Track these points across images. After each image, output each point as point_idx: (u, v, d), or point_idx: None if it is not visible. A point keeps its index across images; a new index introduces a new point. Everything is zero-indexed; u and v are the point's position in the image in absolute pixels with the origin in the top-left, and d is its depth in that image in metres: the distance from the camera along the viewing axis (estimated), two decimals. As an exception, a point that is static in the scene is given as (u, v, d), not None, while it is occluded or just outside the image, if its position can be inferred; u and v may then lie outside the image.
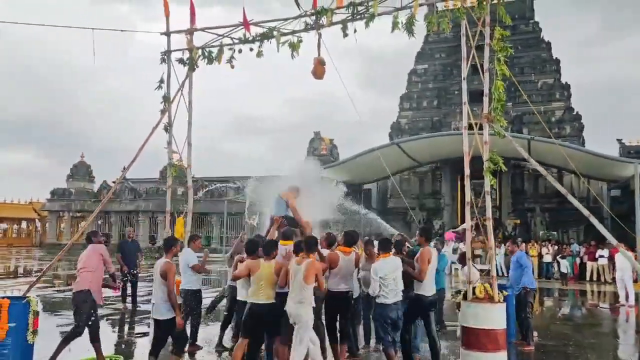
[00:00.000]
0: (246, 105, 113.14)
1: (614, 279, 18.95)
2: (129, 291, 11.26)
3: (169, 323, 5.63)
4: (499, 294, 6.62)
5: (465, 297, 6.69)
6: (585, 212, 6.22)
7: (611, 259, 20.14)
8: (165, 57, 8.47)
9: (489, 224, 6.84)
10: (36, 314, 5.66)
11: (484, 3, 6.95)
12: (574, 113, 29.53)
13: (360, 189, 28.92)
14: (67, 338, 6.06)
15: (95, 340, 6.19)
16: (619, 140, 33.22)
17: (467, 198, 7.09)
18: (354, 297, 6.85)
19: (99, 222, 38.49)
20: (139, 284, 11.78)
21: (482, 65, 7.21)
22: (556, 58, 30.75)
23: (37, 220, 51.31)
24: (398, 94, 32.61)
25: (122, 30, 8.02)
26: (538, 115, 23.44)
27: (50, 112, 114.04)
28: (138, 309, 11.14)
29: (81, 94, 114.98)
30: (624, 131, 63.10)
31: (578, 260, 21.89)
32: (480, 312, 6.36)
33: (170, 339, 5.87)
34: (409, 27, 7.37)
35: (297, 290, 5.52)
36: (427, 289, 6.58)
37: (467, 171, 7.14)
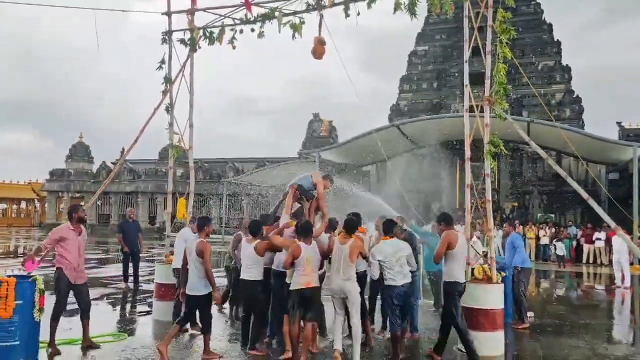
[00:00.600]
0: (244, 86, 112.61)
1: (610, 261, 19.21)
2: (130, 271, 11.37)
3: (205, 299, 5.90)
4: (497, 275, 6.74)
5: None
6: (584, 194, 6.28)
7: (607, 241, 20.34)
8: (167, 37, 8.43)
9: (489, 207, 6.91)
10: (42, 292, 5.72)
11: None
12: (574, 96, 29.47)
13: (359, 170, 28.97)
14: (53, 316, 6.05)
15: (83, 317, 6.26)
16: (619, 124, 33.22)
17: (468, 180, 7.14)
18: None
19: (99, 202, 38.55)
20: (140, 263, 11.90)
21: (483, 47, 7.22)
22: (557, 40, 30.56)
23: (36, 200, 51.41)
24: (397, 76, 32.46)
25: (123, 11, 8.02)
26: (539, 98, 23.37)
27: (49, 92, 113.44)
28: (140, 288, 11.26)
29: (79, 75, 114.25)
30: (624, 114, 62.91)
31: (575, 242, 22.08)
32: (479, 293, 6.48)
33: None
34: (412, 8, 7.35)
35: (343, 268, 5.76)
36: (456, 274, 6.14)
37: (467, 153, 7.20)
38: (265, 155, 39.26)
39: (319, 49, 7.69)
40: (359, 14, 7.54)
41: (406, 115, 29.92)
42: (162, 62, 8.47)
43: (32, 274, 5.80)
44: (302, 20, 7.84)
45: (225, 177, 32.78)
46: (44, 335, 5.81)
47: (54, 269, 6.15)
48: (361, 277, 6.63)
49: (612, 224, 6.10)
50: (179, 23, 8.51)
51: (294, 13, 7.82)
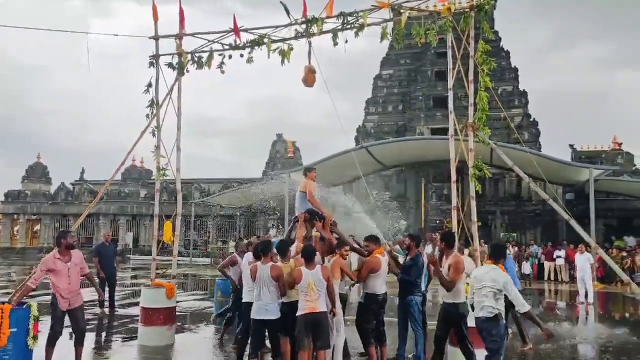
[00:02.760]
0: (203, 106, 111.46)
1: (572, 277, 20.04)
2: (106, 295, 11.11)
3: (278, 322, 5.98)
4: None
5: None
6: (565, 215, 6.66)
7: (567, 259, 21.22)
8: (154, 60, 8.48)
9: (474, 228, 7.21)
10: (36, 319, 5.63)
11: (469, 17, 7.33)
12: (531, 119, 30.77)
13: (327, 191, 29.19)
14: (49, 342, 5.97)
15: (77, 342, 6.18)
16: (571, 146, 34.82)
17: (453, 202, 7.42)
18: None
19: (56, 225, 37.34)
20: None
21: (466, 74, 7.59)
22: (514, 66, 31.96)
23: (-12, 223, 49.23)
24: (358, 96, 33.07)
25: (115, 35, 7.99)
26: (508, 120, 24.36)
27: (1, 110, 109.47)
28: (116, 313, 11.01)
29: (34, 93, 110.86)
30: (576, 137, 65.91)
31: (536, 260, 22.89)
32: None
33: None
34: (398, 38, 7.69)
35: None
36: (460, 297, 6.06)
37: (453, 177, 7.50)
38: (229, 176, 39.06)
39: (309, 77, 7.89)
40: (346, 41, 7.82)
41: (372, 137, 30.49)
42: (149, 85, 8.49)
43: (26, 301, 5.70)
44: (290, 46, 8.06)
45: (192, 198, 32.39)
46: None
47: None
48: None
49: (593, 243, 6.48)
50: (163, 46, 8.50)
51: (283, 40, 8.03)
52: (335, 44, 7.82)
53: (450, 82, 7.66)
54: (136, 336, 8.21)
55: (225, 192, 30.26)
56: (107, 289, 11.10)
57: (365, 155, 24.78)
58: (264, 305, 5.94)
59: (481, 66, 7.41)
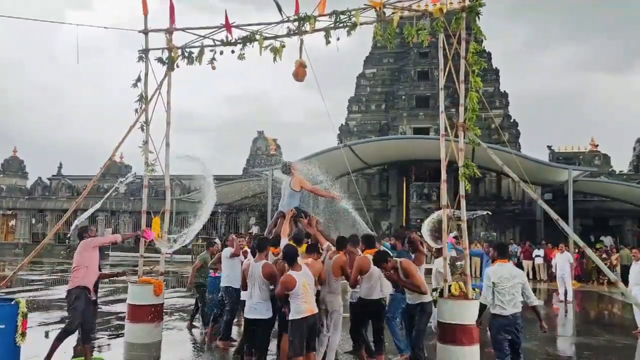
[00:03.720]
0: (180, 101, 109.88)
1: (550, 276, 20.45)
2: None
3: (269, 322, 5.92)
4: (472, 291, 7.10)
5: (441, 295, 7.13)
6: (554, 215, 6.79)
7: (545, 258, 21.64)
8: (143, 55, 8.38)
9: (464, 226, 7.29)
10: (25, 315, 5.53)
11: (460, 18, 7.41)
12: (512, 120, 31.22)
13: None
14: (60, 337, 5.95)
15: (86, 340, 6.12)
16: (549, 147, 35.47)
17: (443, 201, 7.50)
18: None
19: (32, 220, 36.66)
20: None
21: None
22: (496, 68, 32.38)
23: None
24: (338, 94, 33.16)
25: (105, 27, 7.87)
26: (493, 120, 24.65)
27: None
28: (99, 309, 10.84)
29: (9, 86, 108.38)
30: (553, 138, 67.09)
31: (515, 259, 23.25)
32: (456, 309, 6.79)
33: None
34: (390, 38, 7.74)
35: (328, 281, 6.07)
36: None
37: (443, 176, 7.56)
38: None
39: (300, 72, 7.90)
40: (338, 39, 7.84)
41: (355, 136, 30.58)
42: (138, 79, 8.39)
43: (15, 298, 5.62)
44: (282, 44, 8.04)
45: (172, 195, 32.08)
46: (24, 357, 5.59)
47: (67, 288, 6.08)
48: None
49: (581, 243, 6.62)
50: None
51: (275, 37, 8.01)
52: (328, 42, 7.84)
53: (442, 82, 7.73)
54: (122, 333, 8.12)
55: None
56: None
57: (348, 154, 24.85)
58: (254, 304, 5.83)
59: (472, 67, 7.46)
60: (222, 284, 8.00)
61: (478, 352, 6.82)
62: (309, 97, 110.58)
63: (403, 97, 30.95)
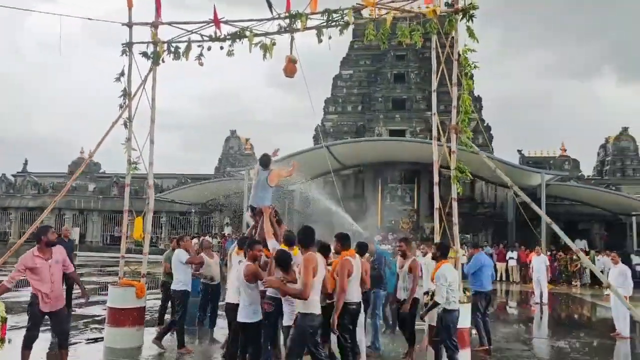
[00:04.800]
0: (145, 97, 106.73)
1: (523, 278, 20.82)
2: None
3: (255, 326, 5.53)
4: (463, 295, 7.07)
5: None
6: (547, 219, 6.82)
7: (519, 260, 22.00)
8: (127, 49, 8.08)
9: (456, 229, 7.26)
10: (4, 320, 5.22)
11: (453, 21, 7.38)
12: (485, 124, 31.68)
13: (284, 190, 29.02)
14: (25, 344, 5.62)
15: (62, 346, 5.81)
16: (519, 152, 36.16)
17: (436, 204, 7.46)
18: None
19: (-5, 218, 35.39)
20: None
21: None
22: (470, 72, 32.79)
23: None
24: (313, 94, 33.19)
25: (89, 19, 7.56)
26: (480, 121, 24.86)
27: None
28: (73, 312, 10.45)
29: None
30: (522, 143, 68.55)
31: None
32: (448, 313, 6.75)
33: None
34: (383, 38, 7.66)
35: None
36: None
37: (435, 179, 7.53)
38: (182, 172, 38.10)
39: (289, 67, 7.74)
40: (330, 38, 7.72)
41: (331, 136, 30.53)
42: (121, 74, 8.09)
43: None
44: (273, 41, 7.87)
45: (144, 194, 31.38)
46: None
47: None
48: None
49: (574, 247, 6.65)
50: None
51: (266, 34, 7.83)
52: (320, 41, 7.70)
53: (434, 84, 7.72)
54: (102, 338, 7.80)
55: (182, 188, 29.54)
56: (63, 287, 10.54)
57: (325, 155, 24.77)
58: (242, 307, 5.60)
59: (465, 69, 7.44)
60: (177, 288, 7.48)
61: (469, 356, 6.81)
62: (281, 96, 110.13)
63: (379, 99, 31.06)
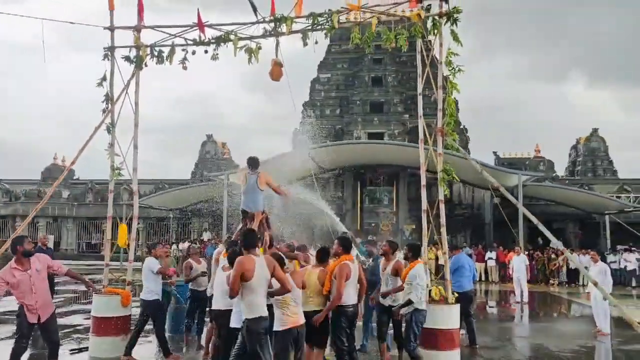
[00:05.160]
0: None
1: (502, 278, 21.14)
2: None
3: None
4: (452, 296, 7.14)
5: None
6: (535, 220, 6.91)
7: (498, 261, 22.33)
8: (109, 53, 7.95)
9: (444, 231, 7.33)
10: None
11: (438, 24, 7.46)
12: (461, 127, 32.08)
13: (263, 194, 28.90)
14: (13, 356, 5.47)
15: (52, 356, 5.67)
16: (494, 153, 36.74)
17: (424, 206, 7.51)
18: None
19: (-36, 227, 34.37)
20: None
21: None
22: (447, 75, 33.22)
23: None
24: (283, 96, 33.13)
25: (71, 23, 7.40)
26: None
27: None
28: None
29: None
30: (496, 144, 69.66)
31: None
32: (438, 314, 6.79)
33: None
34: (368, 42, 7.69)
35: None
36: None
37: (423, 181, 7.59)
38: (157, 177, 37.56)
39: (275, 70, 7.71)
40: (316, 42, 7.72)
41: (309, 140, 30.52)
42: (104, 78, 7.95)
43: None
44: (258, 45, 7.84)
45: (120, 200, 30.86)
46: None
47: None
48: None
49: (561, 247, 6.78)
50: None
51: (250, 38, 7.80)
52: (305, 44, 7.70)
53: (420, 87, 7.78)
54: (86, 347, 7.63)
55: (161, 193, 29.16)
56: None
57: (304, 158, 24.75)
58: (235, 312, 5.52)
59: (450, 71, 7.52)
60: (149, 298, 7.29)
61: (459, 356, 6.86)
62: (256, 101, 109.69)
63: (357, 102, 31.20)
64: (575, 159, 36.60)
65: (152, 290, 7.32)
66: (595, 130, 35.99)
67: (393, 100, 30.94)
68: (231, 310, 5.67)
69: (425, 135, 7.65)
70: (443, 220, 7.32)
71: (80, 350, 7.84)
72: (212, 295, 6.23)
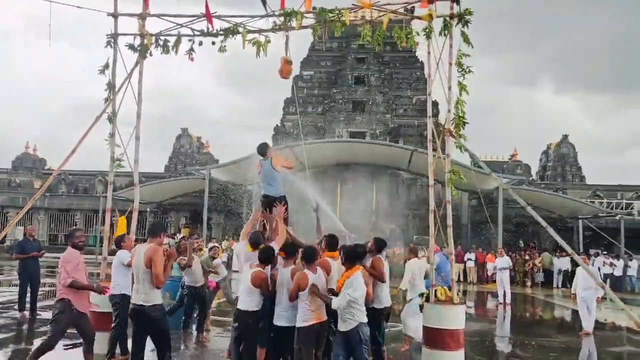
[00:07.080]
0: (86, 90, 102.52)
1: (480, 279, 21.47)
2: (28, 297, 9.95)
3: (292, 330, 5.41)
4: (457, 296, 7.18)
5: (427, 300, 7.14)
6: (543, 222, 7.01)
7: (477, 262, 22.67)
8: (112, 40, 7.71)
9: (450, 231, 7.36)
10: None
11: (449, 25, 7.47)
12: (441, 129, 32.43)
13: (244, 190, 28.68)
14: (40, 349, 5.48)
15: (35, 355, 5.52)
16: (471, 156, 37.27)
17: (431, 206, 7.53)
18: None
19: None
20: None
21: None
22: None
23: None
24: (269, 94, 32.97)
25: (78, 7, 7.14)
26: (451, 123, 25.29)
27: None
28: (39, 317, 9.87)
29: None
30: (472, 147, 70.56)
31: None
32: (444, 314, 6.82)
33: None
34: (378, 39, 7.66)
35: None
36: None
37: (431, 181, 7.60)
38: (131, 170, 36.77)
39: (285, 68, 7.64)
40: (322, 39, 7.66)
41: (291, 137, 30.39)
42: (106, 66, 7.71)
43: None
44: (267, 38, 7.72)
45: (95, 192, 30.22)
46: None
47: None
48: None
49: (569, 250, 6.87)
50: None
51: (259, 31, 7.68)
52: (319, 39, 7.65)
53: (429, 88, 7.76)
54: (81, 343, 7.37)
55: (141, 186, 28.55)
56: (29, 289, 9.97)
57: (288, 155, 24.65)
58: (283, 310, 5.53)
59: (460, 72, 7.54)
60: (116, 292, 6.93)
61: (463, 356, 6.90)
62: (227, 95, 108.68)
63: (340, 100, 31.23)
64: (545, 164, 37.45)
65: (119, 283, 6.95)
66: (565, 137, 36.91)
67: (375, 100, 31.08)
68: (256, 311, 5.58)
69: (433, 136, 7.66)
70: (449, 220, 7.35)
71: (74, 345, 7.59)
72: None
